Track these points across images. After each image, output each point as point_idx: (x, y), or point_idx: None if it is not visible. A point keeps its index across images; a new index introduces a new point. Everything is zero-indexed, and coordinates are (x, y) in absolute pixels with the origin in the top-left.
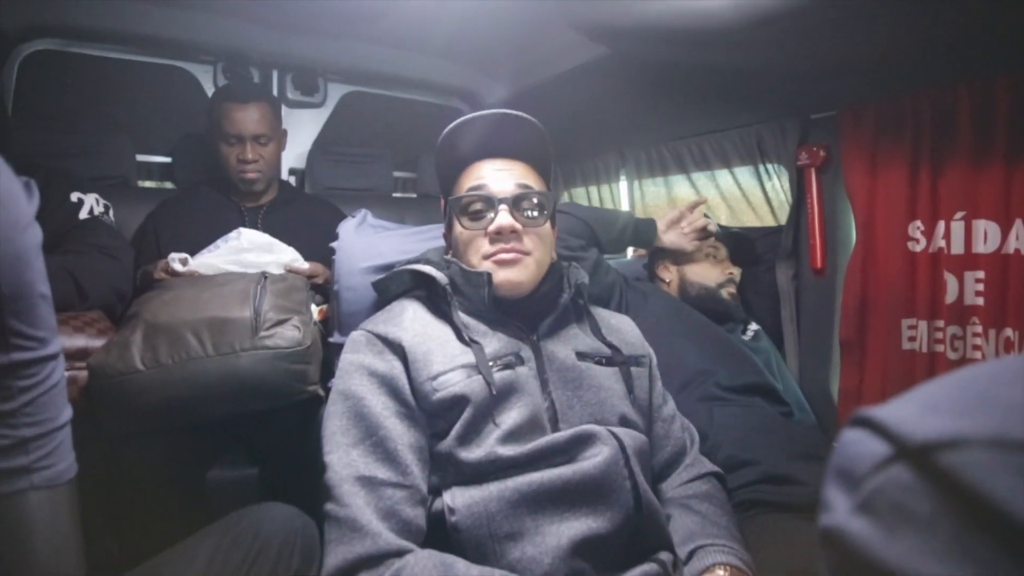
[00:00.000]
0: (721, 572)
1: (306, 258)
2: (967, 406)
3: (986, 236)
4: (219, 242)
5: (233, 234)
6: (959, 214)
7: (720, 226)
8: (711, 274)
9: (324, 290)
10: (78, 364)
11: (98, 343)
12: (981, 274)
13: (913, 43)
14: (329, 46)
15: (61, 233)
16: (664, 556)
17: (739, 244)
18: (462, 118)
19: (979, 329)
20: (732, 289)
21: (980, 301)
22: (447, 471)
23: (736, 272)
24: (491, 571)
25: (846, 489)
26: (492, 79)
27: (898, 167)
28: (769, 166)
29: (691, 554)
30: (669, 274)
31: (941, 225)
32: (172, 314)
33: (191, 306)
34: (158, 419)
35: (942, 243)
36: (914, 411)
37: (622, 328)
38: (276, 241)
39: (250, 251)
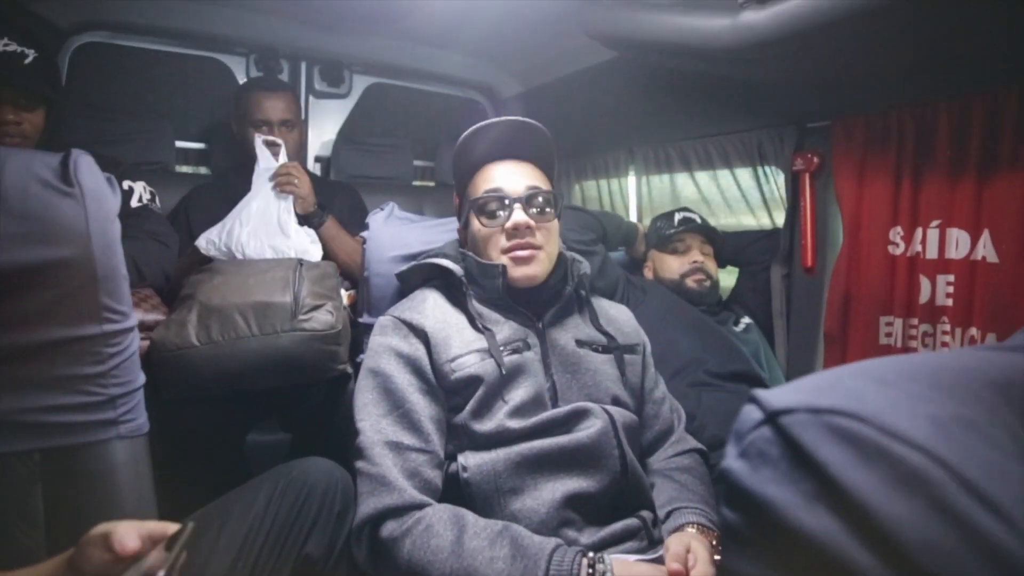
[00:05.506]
0: (691, 529)
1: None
2: (817, 389)
3: (958, 243)
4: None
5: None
6: (935, 222)
7: (705, 223)
8: (674, 265)
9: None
10: (141, 335)
11: (152, 317)
12: (951, 278)
13: (900, 63)
14: (355, 41)
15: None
16: (645, 514)
17: (722, 243)
18: (476, 125)
19: (948, 327)
20: (698, 276)
21: (950, 302)
22: (461, 440)
23: (704, 261)
24: (495, 522)
25: (735, 443)
26: (509, 75)
27: (883, 176)
28: (767, 170)
29: (668, 515)
30: (649, 271)
31: (919, 232)
32: (223, 297)
33: (239, 290)
34: (208, 388)
35: (919, 248)
36: (785, 393)
37: (619, 318)
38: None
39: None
